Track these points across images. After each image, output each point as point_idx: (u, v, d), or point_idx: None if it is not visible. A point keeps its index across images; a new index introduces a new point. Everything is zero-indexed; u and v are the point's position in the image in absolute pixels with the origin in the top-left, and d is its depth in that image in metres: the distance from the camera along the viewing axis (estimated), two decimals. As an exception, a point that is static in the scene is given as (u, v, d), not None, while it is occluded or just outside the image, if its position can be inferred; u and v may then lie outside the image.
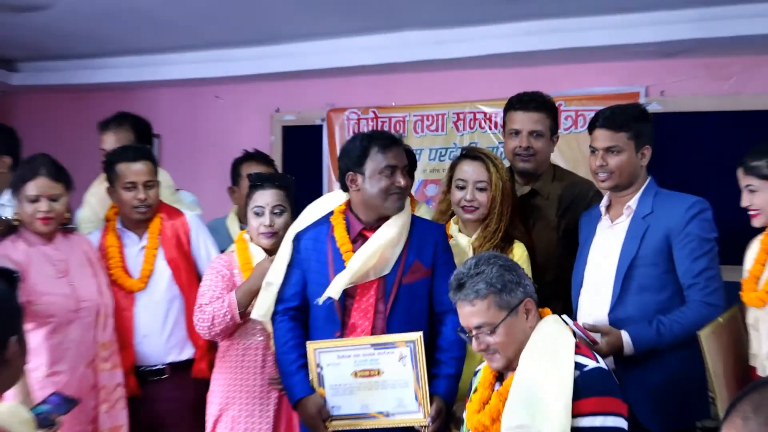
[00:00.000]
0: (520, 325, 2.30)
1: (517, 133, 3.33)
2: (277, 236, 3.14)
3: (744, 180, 2.72)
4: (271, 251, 3.14)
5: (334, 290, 2.81)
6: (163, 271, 3.39)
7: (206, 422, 3.19)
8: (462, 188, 3.02)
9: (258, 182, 3.23)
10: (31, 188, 3.05)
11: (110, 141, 3.73)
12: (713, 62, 4.64)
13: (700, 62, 4.67)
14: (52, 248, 3.14)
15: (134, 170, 3.32)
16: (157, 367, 3.36)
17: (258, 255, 3.17)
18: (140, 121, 3.92)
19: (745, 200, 2.72)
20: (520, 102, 3.37)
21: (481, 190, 2.99)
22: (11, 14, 4.39)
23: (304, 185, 4.87)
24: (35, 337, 2.94)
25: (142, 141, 3.80)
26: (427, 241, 2.90)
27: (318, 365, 2.81)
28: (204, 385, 3.26)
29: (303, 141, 5.53)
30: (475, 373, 2.54)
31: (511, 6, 4.29)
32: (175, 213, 3.53)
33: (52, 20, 4.63)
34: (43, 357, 3.01)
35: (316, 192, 5.36)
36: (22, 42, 5.22)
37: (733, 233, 2.83)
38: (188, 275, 3.43)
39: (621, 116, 2.89)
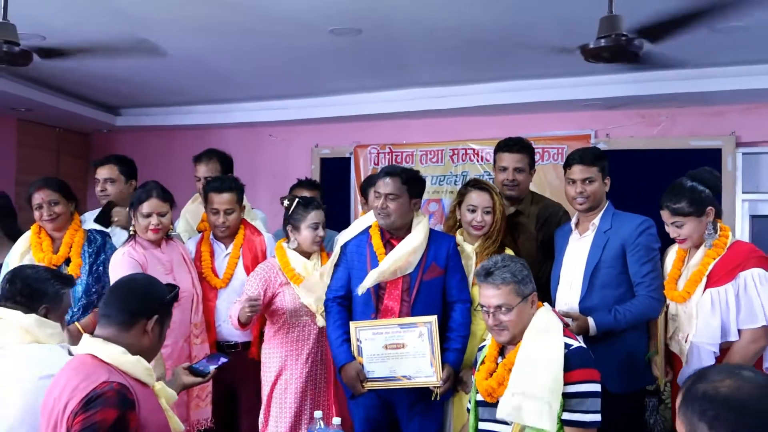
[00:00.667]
0: (527, 310, 2.27)
1: (504, 169, 3.29)
2: (321, 244, 3.12)
3: (670, 219, 2.63)
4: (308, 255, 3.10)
5: (368, 283, 2.80)
6: (240, 275, 3.30)
7: (263, 384, 3.12)
8: (473, 211, 2.95)
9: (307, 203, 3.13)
10: (146, 207, 3.01)
11: (202, 170, 3.68)
12: (646, 112, 4.63)
13: (636, 112, 4.66)
14: (160, 252, 3.09)
15: (219, 199, 3.24)
16: (232, 342, 3.29)
17: (293, 258, 3.09)
18: (225, 155, 3.83)
19: (673, 233, 2.66)
20: (506, 145, 3.33)
21: (487, 213, 2.94)
22: (128, 68, 4.33)
23: (337, 201, 4.93)
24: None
25: (225, 171, 3.73)
26: (441, 248, 2.86)
27: (358, 339, 2.77)
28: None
29: (336, 169, 5.46)
30: (479, 349, 2.48)
31: (493, 70, 4.29)
32: (257, 233, 3.44)
33: (147, 78, 4.60)
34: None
35: (346, 206, 5.38)
36: (124, 94, 5.16)
37: (664, 244, 2.84)
38: None
39: (591, 155, 2.89)
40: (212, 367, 2.38)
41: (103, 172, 3.57)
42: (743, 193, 4.44)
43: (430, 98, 4.78)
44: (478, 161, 5.00)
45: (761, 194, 4.43)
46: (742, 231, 4.44)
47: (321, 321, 3.00)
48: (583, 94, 4.40)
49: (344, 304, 2.93)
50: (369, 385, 2.75)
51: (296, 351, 3.07)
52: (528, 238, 3.26)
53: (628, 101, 4.46)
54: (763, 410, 1.15)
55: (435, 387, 2.69)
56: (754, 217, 4.47)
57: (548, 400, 2.09)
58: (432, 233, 2.91)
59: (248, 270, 3.29)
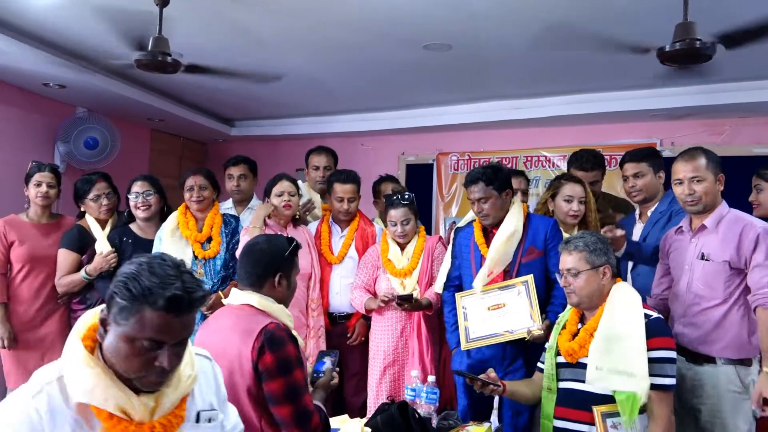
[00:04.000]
0: (596, 279, 2.24)
1: (570, 199, 3.16)
2: (406, 237, 3.23)
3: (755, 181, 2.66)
4: (402, 247, 3.24)
5: (479, 281, 2.79)
6: (352, 255, 3.42)
7: (369, 350, 3.28)
8: (569, 201, 2.98)
9: (390, 202, 3.25)
10: (278, 188, 3.25)
11: (319, 160, 3.94)
12: (709, 122, 4.57)
13: (700, 122, 4.60)
14: (285, 233, 3.21)
15: (344, 188, 3.40)
16: (344, 313, 3.40)
17: (392, 248, 3.26)
18: (334, 152, 4.07)
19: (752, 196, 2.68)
20: (578, 162, 3.41)
21: (581, 202, 2.97)
22: (245, 86, 4.56)
23: (420, 203, 4.99)
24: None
25: (335, 164, 3.99)
26: (539, 231, 2.82)
27: (463, 307, 2.79)
28: (368, 327, 3.34)
29: (420, 174, 5.55)
30: (554, 325, 2.45)
31: (565, 84, 4.32)
32: (369, 223, 3.57)
33: (260, 94, 4.82)
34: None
35: (428, 207, 5.46)
36: (238, 107, 5.43)
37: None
38: None
39: (639, 153, 2.99)
40: (327, 362, 2.24)
41: (235, 170, 3.83)
42: (805, 197, 4.30)
43: (506, 110, 4.83)
44: (549, 167, 5.04)
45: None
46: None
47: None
48: (649, 105, 4.39)
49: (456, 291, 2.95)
50: (471, 345, 2.73)
51: (392, 327, 3.21)
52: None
53: (692, 111, 4.41)
54: None
55: (537, 330, 2.60)
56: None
57: (642, 372, 2.07)
58: (531, 217, 2.90)
59: (359, 252, 3.46)
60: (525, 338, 2.62)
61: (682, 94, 4.23)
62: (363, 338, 3.36)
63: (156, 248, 3.13)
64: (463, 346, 2.75)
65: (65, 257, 3.33)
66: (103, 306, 1.36)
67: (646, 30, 2.89)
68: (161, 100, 4.97)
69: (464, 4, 3.00)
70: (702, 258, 2.47)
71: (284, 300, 2.08)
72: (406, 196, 3.24)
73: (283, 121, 5.77)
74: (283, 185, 3.26)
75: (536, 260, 2.79)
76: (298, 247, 2.13)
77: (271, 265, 2.04)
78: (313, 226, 3.58)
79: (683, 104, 4.28)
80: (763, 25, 2.56)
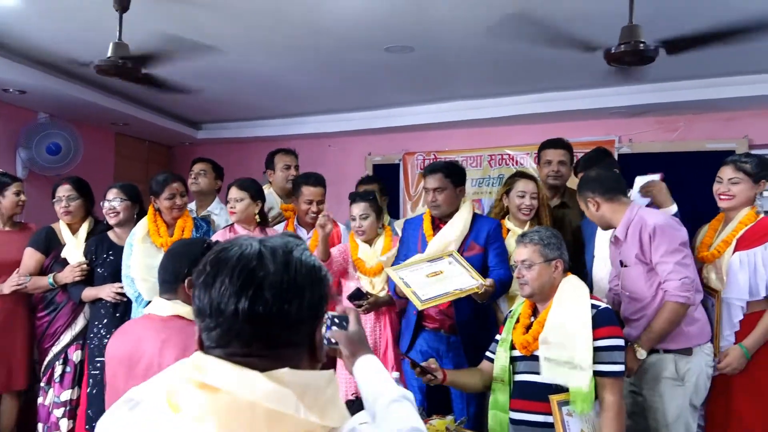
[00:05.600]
0: (548, 272, 2.32)
1: (549, 162, 3.44)
2: (364, 233, 3.26)
3: (730, 174, 2.66)
4: (369, 243, 3.29)
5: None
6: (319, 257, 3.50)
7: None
8: (522, 197, 3.07)
9: (352, 198, 3.34)
10: (228, 195, 3.29)
11: (290, 159, 3.98)
12: (665, 119, 4.69)
13: (656, 119, 4.72)
14: (249, 234, 3.24)
15: (311, 191, 3.45)
16: None
17: (362, 246, 3.29)
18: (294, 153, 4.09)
19: (724, 188, 2.68)
20: (551, 142, 3.53)
21: (533, 198, 3.07)
22: (211, 88, 4.56)
23: (388, 201, 5.06)
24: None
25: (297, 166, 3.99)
26: (483, 229, 2.93)
27: (400, 278, 2.78)
28: None
29: (387, 174, 5.50)
30: (506, 317, 2.53)
31: (527, 84, 4.41)
32: (335, 224, 3.50)
33: (225, 96, 4.82)
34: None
35: (395, 206, 5.49)
36: (204, 110, 5.43)
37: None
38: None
39: (590, 161, 3.22)
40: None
41: (197, 167, 3.91)
42: (757, 190, 4.47)
43: (470, 109, 4.90)
44: (513, 165, 5.12)
45: (771, 191, 4.46)
46: (755, 225, 4.47)
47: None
48: (607, 103, 4.49)
49: None
50: (427, 304, 2.70)
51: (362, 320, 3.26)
52: (569, 226, 3.35)
53: (649, 109, 4.53)
54: None
55: (482, 286, 2.66)
56: (766, 213, 4.49)
57: (585, 364, 2.15)
58: (477, 217, 3.01)
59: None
60: (477, 292, 2.66)
61: (639, 92, 4.35)
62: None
63: (126, 256, 3.13)
64: (419, 306, 2.72)
65: (30, 256, 3.37)
66: None
67: (596, 31, 3.00)
68: (125, 104, 4.95)
69: (423, 8, 3.06)
70: (622, 264, 2.63)
71: None
72: (369, 195, 3.33)
73: (250, 123, 5.77)
74: (232, 192, 3.30)
75: (476, 256, 2.88)
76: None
77: (179, 269, 1.92)
78: (279, 228, 3.62)
79: (639, 102, 4.40)
80: (700, 36, 2.69)
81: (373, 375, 1.39)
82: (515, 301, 2.73)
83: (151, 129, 5.60)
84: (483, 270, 2.88)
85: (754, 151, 4.40)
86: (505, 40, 3.30)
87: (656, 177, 2.94)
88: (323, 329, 1.44)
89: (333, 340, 1.48)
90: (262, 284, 0.93)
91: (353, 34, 3.46)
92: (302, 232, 3.57)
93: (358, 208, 3.27)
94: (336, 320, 1.51)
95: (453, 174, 2.93)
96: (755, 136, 4.43)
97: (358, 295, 3.06)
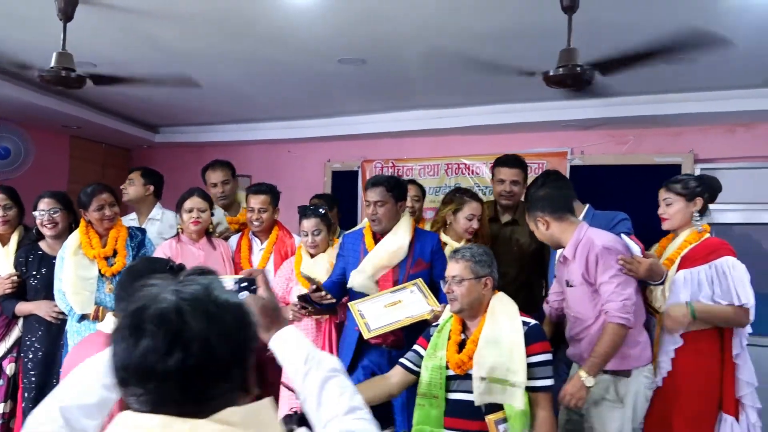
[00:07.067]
0: (478, 289, 2.36)
1: (502, 181, 3.45)
2: (317, 248, 3.26)
3: (663, 195, 2.75)
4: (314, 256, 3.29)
5: (355, 282, 2.92)
6: (270, 268, 3.45)
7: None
8: (471, 219, 3.13)
9: (303, 212, 3.33)
10: (188, 204, 3.26)
11: (215, 176, 3.89)
12: (615, 132, 4.78)
13: (607, 132, 4.80)
14: (196, 247, 3.28)
15: (256, 200, 3.43)
16: None
17: (305, 260, 3.29)
18: (229, 164, 4.05)
19: (661, 210, 2.75)
20: (505, 161, 3.51)
21: (479, 220, 3.15)
22: (168, 92, 4.53)
23: (345, 209, 5.02)
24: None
25: (234, 175, 3.96)
26: (426, 245, 2.96)
27: (359, 311, 2.82)
28: None
29: (345, 181, 5.60)
30: (435, 326, 2.52)
31: (482, 95, 4.46)
32: (289, 235, 3.60)
33: (182, 101, 4.80)
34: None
35: (354, 213, 5.48)
36: (162, 114, 5.39)
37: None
38: None
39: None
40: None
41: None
42: (701, 203, 4.60)
43: (428, 119, 4.95)
44: (469, 174, 5.18)
45: (718, 204, 4.55)
46: (701, 237, 4.60)
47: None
48: (561, 116, 4.57)
49: (334, 288, 3.04)
50: (374, 333, 2.74)
51: (307, 335, 3.28)
52: (523, 242, 3.41)
53: (601, 122, 4.62)
54: None
55: (431, 314, 2.67)
56: (711, 225, 4.63)
57: (520, 382, 2.19)
58: (418, 232, 3.03)
59: (277, 266, 3.48)
60: (428, 318, 2.67)
61: (591, 106, 4.43)
62: None
63: (58, 268, 3.09)
64: (366, 336, 2.76)
65: None
66: None
67: (534, 54, 3.08)
68: (78, 108, 4.87)
69: (372, 23, 3.09)
70: (568, 285, 2.67)
71: None
72: (320, 209, 3.33)
73: (208, 127, 5.73)
74: (194, 201, 3.28)
75: (423, 272, 2.91)
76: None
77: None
78: (234, 238, 3.62)
79: (592, 116, 4.49)
80: (630, 56, 2.78)
81: (297, 351, 1.32)
82: None
83: (106, 132, 5.53)
84: (430, 285, 2.89)
85: (698, 166, 4.57)
86: (448, 58, 3.35)
87: (636, 249, 2.72)
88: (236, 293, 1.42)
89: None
90: (188, 341, 0.90)
91: (305, 46, 3.48)
92: (256, 242, 3.57)
93: (310, 224, 3.27)
94: (244, 284, 1.38)
95: (395, 188, 2.95)
96: (700, 151, 4.56)
97: (305, 298, 3.05)
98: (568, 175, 4.83)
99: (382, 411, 2.84)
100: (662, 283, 2.65)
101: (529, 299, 3.17)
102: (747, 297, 2.52)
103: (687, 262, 2.66)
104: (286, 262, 3.45)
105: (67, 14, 2.83)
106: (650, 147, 4.70)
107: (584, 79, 2.55)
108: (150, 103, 4.90)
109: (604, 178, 4.68)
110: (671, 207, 2.75)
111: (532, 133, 4.97)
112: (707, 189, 2.74)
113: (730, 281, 2.53)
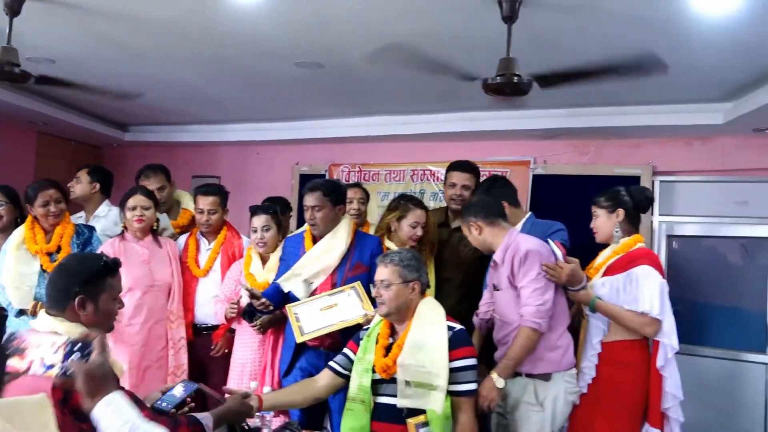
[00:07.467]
0: (405, 293, 2.38)
1: (454, 185, 3.47)
2: (266, 246, 3.28)
3: (592, 209, 2.88)
4: (265, 261, 3.29)
5: (289, 285, 2.94)
6: (217, 268, 3.46)
7: (231, 364, 3.33)
8: (415, 227, 3.16)
9: (253, 210, 3.38)
10: (131, 202, 3.24)
11: (150, 183, 3.74)
12: (577, 143, 4.82)
13: (569, 143, 4.84)
14: (140, 245, 3.27)
15: (204, 201, 3.43)
16: (208, 325, 3.44)
17: (255, 262, 3.30)
18: (165, 169, 3.95)
19: (592, 224, 2.88)
20: (458, 166, 3.53)
21: (422, 228, 3.18)
22: (113, 100, 4.50)
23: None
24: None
25: (168, 179, 3.90)
26: (366, 248, 2.98)
27: (295, 314, 2.84)
28: (232, 339, 3.37)
29: None
30: (365, 329, 2.54)
31: (448, 102, 4.49)
32: (237, 236, 3.59)
33: (153, 100, 4.79)
34: (125, 313, 3.04)
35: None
36: (131, 113, 5.37)
37: (589, 251, 2.98)
38: None
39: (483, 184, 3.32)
40: (176, 402, 1.99)
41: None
42: (660, 215, 4.64)
43: (394, 125, 4.97)
44: (434, 181, 5.20)
45: (675, 216, 4.64)
46: (659, 248, 4.64)
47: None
48: (524, 125, 4.60)
49: (276, 293, 3.04)
50: (307, 337, 2.77)
51: (251, 341, 3.30)
52: (470, 248, 3.35)
53: (563, 133, 4.66)
54: None
55: (364, 318, 2.70)
56: (670, 237, 4.69)
57: (442, 387, 2.22)
58: (358, 235, 3.06)
59: (224, 267, 3.49)
60: (360, 323, 2.69)
61: (554, 116, 4.47)
62: (226, 350, 3.42)
63: (0, 262, 3.08)
64: (298, 339, 2.79)
65: None
66: None
67: (477, 61, 3.09)
68: (42, 104, 4.86)
69: (324, 27, 3.10)
70: (495, 288, 2.71)
71: (97, 326, 1.83)
72: (271, 209, 3.37)
73: (178, 127, 5.73)
74: (137, 199, 3.27)
75: (362, 275, 2.92)
76: (112, 266, 1.93)
77: (70, 287, 1.82)
78: (183, 238, 3.62)
79: (554, 126, 4.52)
80: (570, 73, 2.81)
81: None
82: None
83: (74, 129, 5.51)
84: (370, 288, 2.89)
85: (657, 178, 4.62)
86: (397, 62, 3.36)
87: (559, 254, 2.78)
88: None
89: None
90: None
91: (261, 49, 3.49)
92: (204, 242, 3.57)
93: (260, 220, 3.29)
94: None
95: (332, 192, 2.97)
96: (659, 163, 4.60)
97: (250, 312, 3.05)
98: (530, 184, 4.90)
99: (316, 414, 2.87)
100: (583, 288, 2.68)
101: (474, 305, 3.15)
102: (651, 306, 2.56)
103: (610, 270, 2.73)
104: (235, 264, 3.46)
105: (13, 9, 2.83)
106: (611, 158, 4.73)
107: (521, 89, 2.57)
108: (118, 101, 4.87)
109: (565, 187, 4.71)
110: (597, 220, 2.85)
111: (497, 141, 5.00)
112: (629, 200, 2.81)
113: (639, 289, 2.59)
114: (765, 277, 4.36)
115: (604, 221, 2.82)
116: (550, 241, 2.75)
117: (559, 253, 2.67)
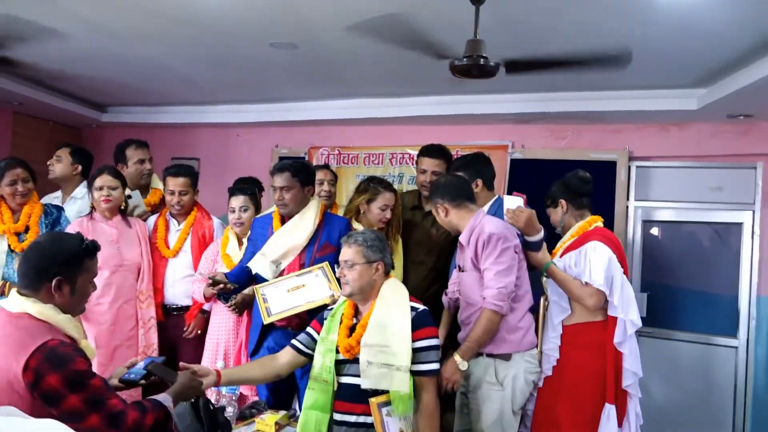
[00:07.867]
0: (369, 273, 2.38)
1: (424, 171, 3.47)
2: (243, 226, 3.31)
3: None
4: (241, 242, 3.30)
5: (258, 267, 2.94)
6: (187, 249, 3.47)
7: (206, 343, 3.34)
8: (384, 210, 3.18)
9: (231, 191, 3.42)
10: (98, 182, 3.22)
11: (143, 153, 3.83)
12: (555, 127, 4.82)
13: (546, 127, 4.84)
14: (108, 225, 3.26)
15: (174, 182, 3.43)
16: (178, 305, 3.45)
17: (231, 242, 3.32)
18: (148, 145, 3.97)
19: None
20: (428, 151, 3.52)
21: (391, 210, 3.20)
22: (112, 70, 4.46)
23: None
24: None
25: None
26: (334, 229, 2.99)
27: (263, 295, 2.84)
28: (206, 321, 3.39)
29: None
30: (329, 309, 2.54)
31: (425, 86, 4.48)
32: (207, 217, 3.59)
33: (130, 81, 4.75)
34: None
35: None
36: (109, 93, 5.31)
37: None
38: (200, 255, 3.48)
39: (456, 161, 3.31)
40: (142, 373, 2.10)
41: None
42: (636, 200, 4.68)
43: (372, 108, 4.94)
44: (412, 164, 5.15)
45: (651, 202, 4.67)
46: (634, 233, 4.68)
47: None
48: (502, 109, 4.59)
49: (243, 273, 3.04)
50: (273, 318, 2.78)
51: (226, 321, 3.32)
52: (443, 231, 3.36)
53: (540, 117, 4.66)
54: None
55: (331, 299, 2.71)
56: (645, 221, 4.72)
57: (404, 367, 2.23)
58: (327, 216, 3.06)
59: (193, 246, 3.49)
60: (327, 304, 2.69)
61: (532, 100, 4.46)
62: (200, 331, 3.43)
63: (-34, 242, 3.05)
64: (265, 321, 2.80)
65: None
66: None
67: (450, 41, 3.09)
68: (16, 84, 4.80)
69: (295, 7, 3.07)
70: (460, 270, 2.73)
71: (70, 308, 1.87)
72: (249, 189, 3.40)
73: (156, 108, 5.67)
74: (104, 179, 3.25)
75: (330, 255, 2.92)
76: (90, 248, 1.91)
77: (48, 268, 1.81)
78: (153, 218, 3.61)
79: (532, 110, 4.52)
80: (536, 62, 2.83)
81: None
82: None
83: (51, 110, 5.45)
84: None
85: (634, 163, 4.64)
86: (369, 42, 3.35)
87: (520, 201, 2.98)
88: None
89: None
90: None
91: (235, 30, 3.44)
92: (173, 223, 3.56)
93: (238, 201, 3.34)
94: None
95: (300, 173, 2.97)
96: (635, 148, 4.62)
97: (225, 294, 3.03)
98: (508, 168, 4.91)
99: (284, 395, 2.88)
100: (541, 244, 2.78)
101: (446, 287, 3.18)
102: (596, 278, 2.63)
103: (567, 251, 2.81)
104: (212, 244, 3.47)
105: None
106: (588, 143, 4.74)
107: (488, 71, 2.57)
108: (94, 81, 4.83)
109: (542, 171, 4.70)
110: (551, 216, 3.00)
111: (475, 125, 4.99)
112: (564, 189, 2.94)
113: (586, 261, 2.67)
114: (737, 262, 4.42)
115: (554, 217, 2.97)
116: (509, 196, 2.83)
117: (520, 200, 2.75)
